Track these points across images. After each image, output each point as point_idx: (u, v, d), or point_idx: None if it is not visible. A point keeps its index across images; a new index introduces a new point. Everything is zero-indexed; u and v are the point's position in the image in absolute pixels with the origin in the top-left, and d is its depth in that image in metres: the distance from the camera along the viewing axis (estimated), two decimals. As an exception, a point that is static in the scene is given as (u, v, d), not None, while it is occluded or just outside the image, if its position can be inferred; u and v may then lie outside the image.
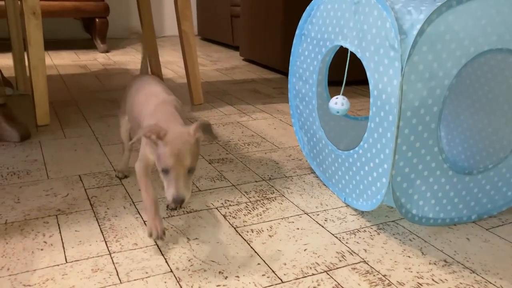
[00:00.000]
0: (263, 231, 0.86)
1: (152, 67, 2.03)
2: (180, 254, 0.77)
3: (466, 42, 0.77)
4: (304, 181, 1.08)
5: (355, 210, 0.95)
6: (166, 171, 0.70)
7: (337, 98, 0.98)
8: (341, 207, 0.96)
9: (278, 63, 2.30)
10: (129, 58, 2.79)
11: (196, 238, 0.83)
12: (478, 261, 0.78)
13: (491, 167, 0.89)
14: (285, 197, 1.00)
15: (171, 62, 2.68)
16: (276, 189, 1.04)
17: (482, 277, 0.74)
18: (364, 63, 0.84)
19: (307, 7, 1.03)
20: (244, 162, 1.19)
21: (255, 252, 0.79)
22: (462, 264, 0.77)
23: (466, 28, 0.76)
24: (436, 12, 0.73)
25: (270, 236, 0.84)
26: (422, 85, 0.76)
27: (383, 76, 0.79)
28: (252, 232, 0.85)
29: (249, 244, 0.81)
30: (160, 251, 0.78)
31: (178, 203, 0.69)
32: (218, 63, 2.69)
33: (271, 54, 2.36)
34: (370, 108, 0.84)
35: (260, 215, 0.92)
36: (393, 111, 0.77)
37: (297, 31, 1.08)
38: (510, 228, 0.89)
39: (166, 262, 0.75)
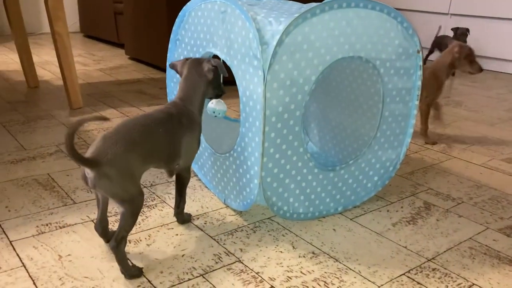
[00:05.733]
0: (141, 240, 0.85)
1: (24, 68, 1.88)
2: (50, 274, 0.74)
3: (322, 51, 0.84)
4: (186, 185, 1.09)
5: (234, 210, 0.99)
6: None
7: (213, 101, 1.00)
8: (221, 208, 0.99)
9: (165, 62, 2.28)
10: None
11: (69, 255, 0.80)
12: (341, 250, 0.86)
13: (352, 162, 0.98)
14: (166, 203, 1.00)
15: (50, 62, 2.50)
16: (157, 196, 1.03)
17: (344, 265, 0.81)
18: (233, 70, 0.88)
19: (180, 12, 1.03)
20: (125, 169, 1.16)
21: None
22: (327, 254, 0.84)
23: (321, 38, 0.83)
24: (293, 23, 0.79)
25: (148, 245, 0.84)
26: (284, 92, 0.82)
27: (249, 84, 0.83)
28: (130, 242, 0.84)
29: (125, 256, 0.80)
30: (28, 273, 0.74)
31: None
32: (102, 63, 2.57)
33: (157, 52, 2.32)
34: (240, 113, 0.87)
35: (139, 224, 0.91)
36: (259, 117, 0.81)
37: (171, 36, 1.08)
38: (370, 216, 1.00)
39: (34, 284, 0.72)
